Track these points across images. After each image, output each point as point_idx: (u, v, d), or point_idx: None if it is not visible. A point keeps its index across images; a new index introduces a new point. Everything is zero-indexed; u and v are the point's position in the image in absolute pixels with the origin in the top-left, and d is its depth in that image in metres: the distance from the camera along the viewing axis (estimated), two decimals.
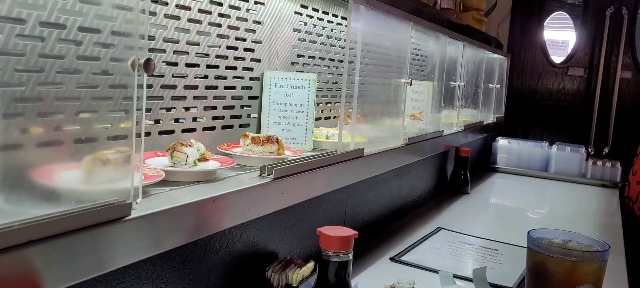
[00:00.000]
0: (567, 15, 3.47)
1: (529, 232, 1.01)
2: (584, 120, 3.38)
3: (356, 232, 0.90)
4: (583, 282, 0.93)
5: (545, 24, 3.49)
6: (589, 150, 3.25)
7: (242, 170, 0.96)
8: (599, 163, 2.64)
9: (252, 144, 1.04)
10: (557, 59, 3.50)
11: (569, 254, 0.94)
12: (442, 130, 1.87)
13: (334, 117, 1.60)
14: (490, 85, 2.71)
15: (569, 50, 3.49)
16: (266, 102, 1.23)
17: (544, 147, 2.76)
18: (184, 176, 0.84)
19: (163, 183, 0.79)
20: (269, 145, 1.03)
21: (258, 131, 1.23)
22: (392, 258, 1.34)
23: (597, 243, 0.99)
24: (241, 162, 1.01)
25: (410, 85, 1.51)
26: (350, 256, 0.90)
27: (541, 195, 2.48)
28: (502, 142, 2.84)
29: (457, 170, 2.18)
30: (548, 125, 3.50)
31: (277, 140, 1.05)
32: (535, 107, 3.52)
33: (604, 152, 3.27)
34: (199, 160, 0.90)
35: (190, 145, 0.88)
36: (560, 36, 3.59)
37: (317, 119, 1.50)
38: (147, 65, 0.66)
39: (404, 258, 1.35)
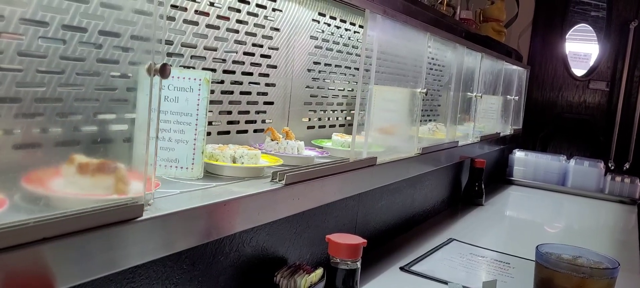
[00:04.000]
0: (590, 28, 3.43)
1: (537, 246, 1.01)
2: (605, 134, 3.34)
3: (365, 240, 0.91)
4: None
5: (567, 36, 3.46)
6: (609, 165, 3.20)
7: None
8: (618, 179, 2.60)
9: (78, 174, 0.66)
10: (579, 71, 3.47)
11: (577, 270, 0.94)
12: (457, 141, 1.87)
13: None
14: (508, 96, 2.70)
15: (591, 63, 3.45)
16: (142, 109, 0.82)
17: (561, 161, 2.73)
18: None
19: None
20: (100, 177, 0.66)
21: (130, 151, 0.82)
22: (402, 268, 1.34)
23: (606, 260, 0.99)
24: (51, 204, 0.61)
25: (426, 94, 1.51)
26: (359, 264, 0.91)
27: (557, 210, 2.45)
28: (518, 154, 2.81)
29: (471, 182, 2.17)
30: (568, 138, 3.46)
31: (116, 170, 0.68)
32: (555, 119, 3.48)
33: (624, 168, 3.22)
34: None
35: None
36: (582, 49, 3.55)
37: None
38: (164, 70, 0.68)
39: (414, 268, 1.35)
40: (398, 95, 1.41)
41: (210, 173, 0.94)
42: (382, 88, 1.28)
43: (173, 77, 0.87)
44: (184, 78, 0.88)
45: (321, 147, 1.32)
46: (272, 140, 1.16)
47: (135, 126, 0.79)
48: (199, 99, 0.88)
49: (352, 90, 1.65)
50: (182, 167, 0.89)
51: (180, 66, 0.99)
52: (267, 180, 0.94)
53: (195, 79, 0.88)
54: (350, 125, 1.60)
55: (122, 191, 0.68)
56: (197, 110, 0.88)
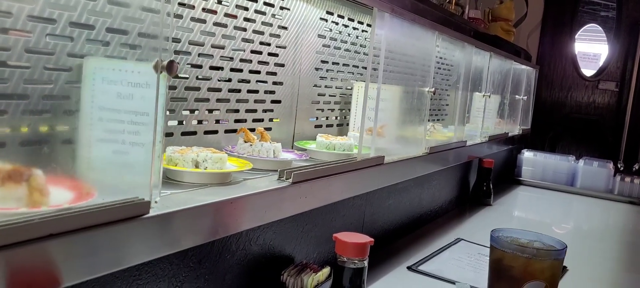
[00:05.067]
0: (600, 28, 3.41)
1: (491, 230, 1.05)
2: (615, 135, 3.31)
3: (372, 239, 0.91)
4: (537, 278, 0.97)
5: (576, 36, 3.44)
6: (619, 165, 3.18)
7: None
8: (627, 179, 2.58)
9: None
10: (588, 72, 3.44)
11: (522, 251, 0.99)
12: (465, 141, 1.86)
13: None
14: (517, 96, 2.68)
15: (600, 63, 3.43)
16: (88, 108, 0.73)
17: (570, 161, 2.72)
18: None
19: None
20: (11, 187, 0.57)
21: (74, 154, 0.72)
22: (409, 268, 1.33)
23: (558, 245, 1.03)
24: None
25: (434, 94, 1.50)
26: (366, 263, 0.91)
27: (566, 210, 2.44)
28: (527, 155, 2.80)
29: (479, 182, 2.15)
30: (577, 139, 3.44)
31: (30, 178, 0.58)
32: (564, 120, 3.46)
33: (634, 168, 3.19)
34: None
35: None
36: (591, 49, 3.53)
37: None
38: (170, 67, 0.68)
39: (421, 268, 1.34)
40: (406, 94, 1.41)
41: (170, 179, 0.85)
42: (389, 87, 1.27)
43: (126, 70, 0.72)
44: (139, 72, 0.71)
45: (304, 149, 1.23)
46: (245, 141, 1.06)
47: (78, 125, 0.71)
48: (157, 95, 0.72)
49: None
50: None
51: (136, 60, 0.79)
52: (233, 186, 0.86)
53: (151, 73, 0.72)
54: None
55: (38, 203, 0.57)
56: (155, 107, 0.73)
